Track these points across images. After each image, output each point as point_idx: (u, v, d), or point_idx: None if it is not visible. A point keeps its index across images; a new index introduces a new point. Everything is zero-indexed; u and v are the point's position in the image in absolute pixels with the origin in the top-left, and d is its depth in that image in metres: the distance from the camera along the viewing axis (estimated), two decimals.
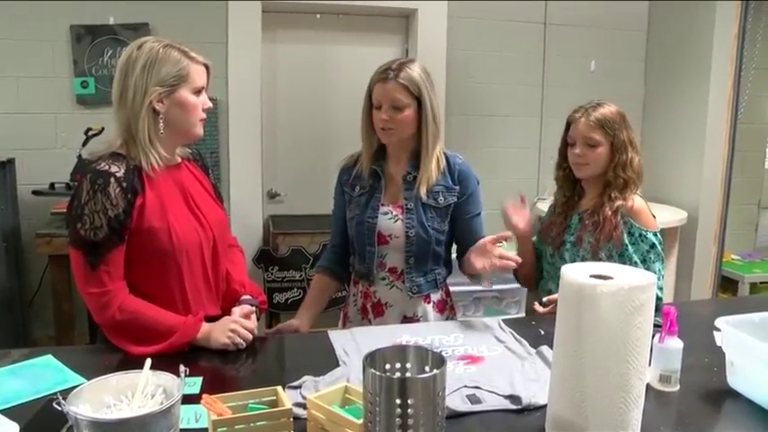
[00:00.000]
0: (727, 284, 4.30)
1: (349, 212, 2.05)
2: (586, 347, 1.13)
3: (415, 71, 1.89)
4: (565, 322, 1.17)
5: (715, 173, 4.01)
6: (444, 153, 2.01)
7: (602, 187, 2.05)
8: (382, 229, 1.98)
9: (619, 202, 2.00)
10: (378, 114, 1.91)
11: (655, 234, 2.01)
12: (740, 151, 4.08)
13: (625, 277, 1.14)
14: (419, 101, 1.89)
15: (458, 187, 1.98)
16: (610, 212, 1.99)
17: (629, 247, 2.00)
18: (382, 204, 1.99)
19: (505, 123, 4.28)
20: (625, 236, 2.00)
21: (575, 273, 1.16)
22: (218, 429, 1.13)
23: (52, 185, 3.40)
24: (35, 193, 3.40)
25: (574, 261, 2.07)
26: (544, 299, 2.03)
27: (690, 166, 4.09)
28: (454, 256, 2.11)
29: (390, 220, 1.98)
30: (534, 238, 2.27)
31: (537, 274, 2.25)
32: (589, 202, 2.09)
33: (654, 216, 2.06)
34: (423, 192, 1.94)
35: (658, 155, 4.28)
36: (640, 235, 1.99)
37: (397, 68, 1.88)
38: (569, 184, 2.14)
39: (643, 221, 2.01)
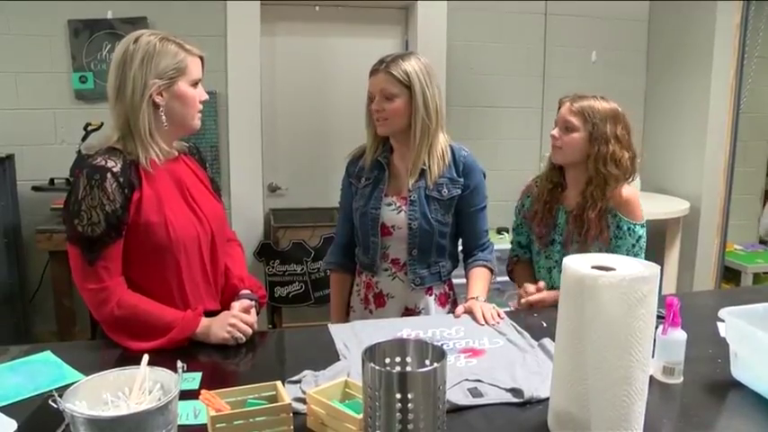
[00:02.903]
0: (729, 275, 4.28)
1: (354, 203, 2.05)
2: (589, 340, 1.11)
3: (408, 63, 1.89)
4: (567, 314, 1.16)
5: (717, 163, 3.99)
6: (450, 145, 2.00)
7: (583, 182, 2.02)
8: (385, 221, 1.98)
9: (601, 204, 1.97)
10: (372, 105, 1.93)
11: (642, 226, 2.00)
12: (742, 141, 4.06)
13: (627, 268, 1.13)
14: (411, 91, 1.89)
15: (462, 179, 1.97)
16: (594, 215, 1.97)
17: (614, 240, 1.98)
18: (386, 195, 1.99)
19: (506, 115, 4.27)
20: (612, 230, 1.98)
21: (576, 264, 1.15)
22: (217, 425, 1.13)
23: (52, 181, 3.39)
24: (35, 188, 3.38)
25: None
26: (530, 287, 2.03)
27: (692, 157, 4.08)
28: (460, 248, 2.10)
29: (393, 211, 1.97)
30: (517, 238, 2.28)
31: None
32: (573, 199, 2.06)
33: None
34: (411, 181, 1.95)
35: (660, 145, 4.26)
36: (629, 228, 1.98)
37: (390, 60, 1.90)
38: (554, 172, 2.12)
39: (632, 213, 1.99)
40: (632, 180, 2.03)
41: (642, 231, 1.99)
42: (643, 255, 1.98)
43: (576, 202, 2.03)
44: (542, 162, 2.18)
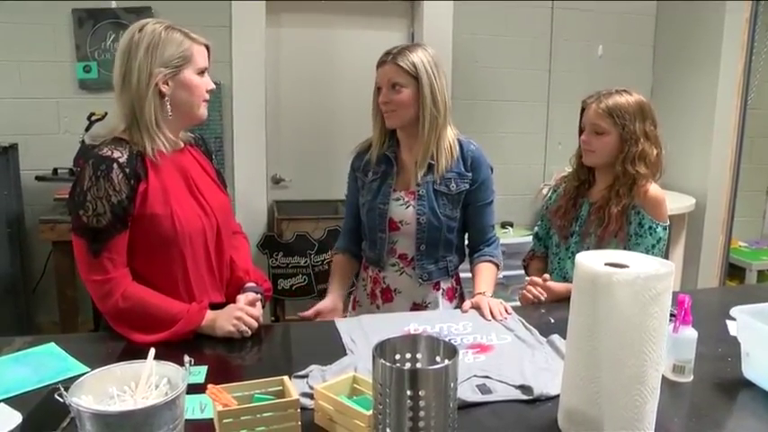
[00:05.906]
0: (734, 272, 4.27)
1: (361, 198, 2.04)
2: (601, 338, 1.10)
3: (415, 54, 1.88)
4: (579, 312, 1.14)
5: (723, 159, 3.96)
6: (458, 139, 1.98)
7: (611, 179, 1.99)
8: (393, 216, 1.96)
9: (625, 201, 1.94)
10: (379, 97, 1.92)
11: (665, 228, 1.96)
12: (749, 137, 4.04)
13: (641, 266, 1.11)
14: (418, 82, 1.87)
15: (470, 174, 1.96)
16: (616, 211, 1.94)
17: (634, 237, 1.95)
18: (394, 190, 1.97)
19: (512, 108, 4.24)
20: (633, 227, 1.95)
21: (589, 261, 1.13)
22: (225, 420, 1.11)
23: (55, 171, 3.37)
24: (38, 178, 3.36)
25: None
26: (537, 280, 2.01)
27: (698, 153, 4.05)
28: (466, 242, 2.09)
29: (402, 206, 1.96)
30: (537, 229, 2.27)
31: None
32: (598, 193, 2.04)
33: None
34: (420, 174, 1.93)
35: (666, 141, 4.23)
36: (650, 227, 1.94)
37: (397, 52, 1.89)
38: (583, 170, 2.10)
39: (657, 212, 1.95)
40: (659, 178, 2.00)
41: (663, 234, 1.95)
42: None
43: (602, 196, 2.01)
44: (571, 159, 2.15)
